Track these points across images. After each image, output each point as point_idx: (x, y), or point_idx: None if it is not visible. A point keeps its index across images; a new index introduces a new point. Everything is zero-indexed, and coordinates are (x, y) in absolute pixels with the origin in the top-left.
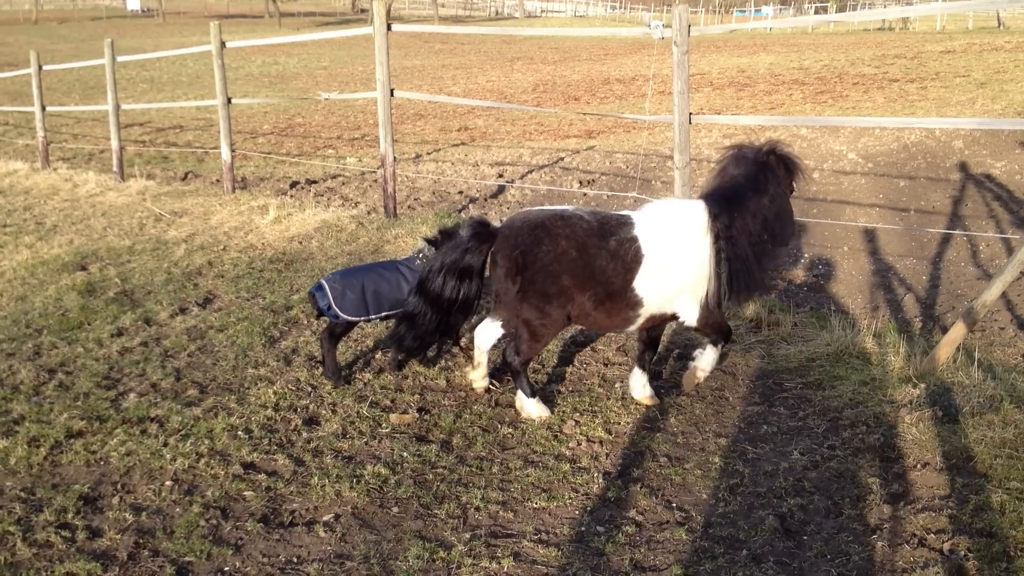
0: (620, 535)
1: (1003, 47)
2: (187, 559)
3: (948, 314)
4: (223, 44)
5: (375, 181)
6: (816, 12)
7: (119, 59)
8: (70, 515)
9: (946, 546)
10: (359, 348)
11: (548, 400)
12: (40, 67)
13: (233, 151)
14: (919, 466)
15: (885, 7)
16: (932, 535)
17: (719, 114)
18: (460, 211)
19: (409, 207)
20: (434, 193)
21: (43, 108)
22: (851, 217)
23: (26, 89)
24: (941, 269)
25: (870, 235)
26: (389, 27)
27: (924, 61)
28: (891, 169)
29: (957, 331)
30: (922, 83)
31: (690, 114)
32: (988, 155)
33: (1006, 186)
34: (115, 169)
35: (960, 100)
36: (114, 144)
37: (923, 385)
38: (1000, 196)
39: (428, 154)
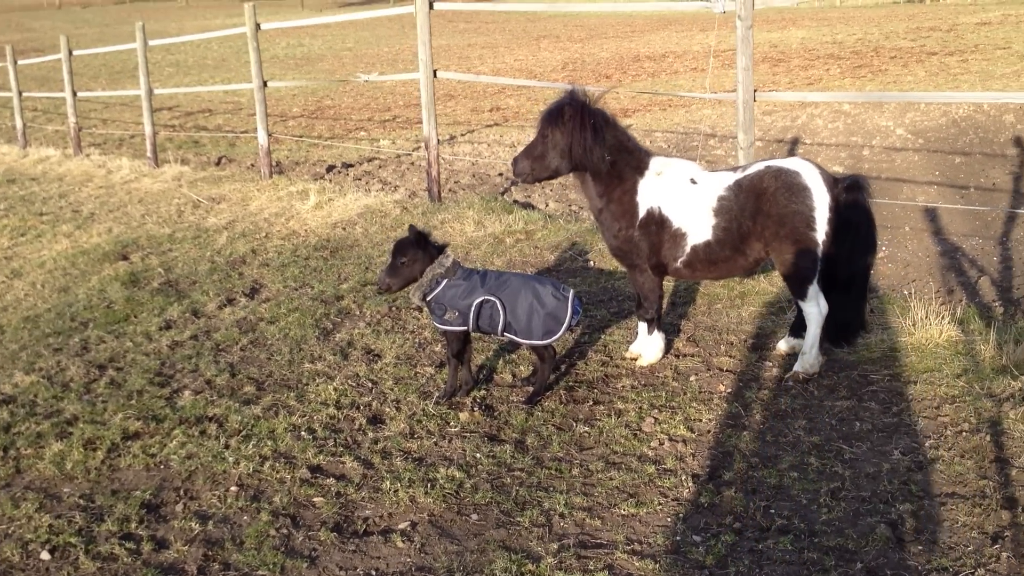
0: (719, 545)
1: None
2: (260, 573)
3: None
4: (258, 26)
5: (412, 164)
6: None
7: (150, 43)
8: (133, 524)
9: None
10: (417, 340)
11: (622, 396)
12: (70, 52)
13: (269, 135)
14: None
15: None
16: None
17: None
18: (503, 193)
19: (450, 190)
20: (474, 176)
21: (74, 94)
22: (908, 195)
23: (52, 75)
24: (1011, 249)
25: (931, 214)
26: (431, 5)
27: (961, 33)
28: (943, 145)
29: None
30: (962, 56)
31: (755, 91)
32: None
33: None
34: (149, 155)
35: (1004, 73)
36: (147, 129)
37: (1022, 377)
38: None
39: (462, 135)
